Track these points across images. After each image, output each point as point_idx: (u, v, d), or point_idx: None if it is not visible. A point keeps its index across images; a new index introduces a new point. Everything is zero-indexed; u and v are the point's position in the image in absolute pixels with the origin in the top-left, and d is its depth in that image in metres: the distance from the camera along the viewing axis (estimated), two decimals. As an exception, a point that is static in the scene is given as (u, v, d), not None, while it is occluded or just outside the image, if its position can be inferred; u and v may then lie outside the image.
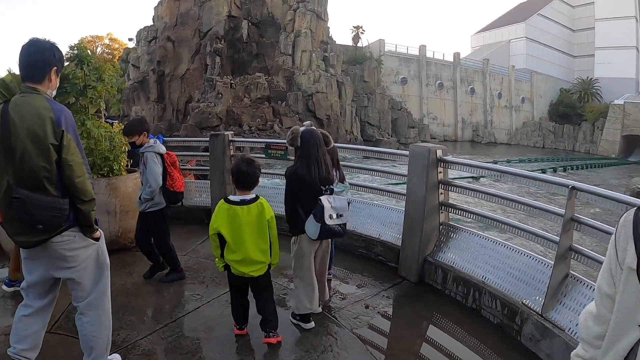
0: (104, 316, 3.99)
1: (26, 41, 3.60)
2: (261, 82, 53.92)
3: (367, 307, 5.92)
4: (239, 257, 4.66)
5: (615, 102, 72.45)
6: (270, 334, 4.83)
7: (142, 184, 6.32)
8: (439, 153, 6.50)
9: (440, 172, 6.58)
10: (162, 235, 6.43)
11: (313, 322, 5.35)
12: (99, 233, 3.87)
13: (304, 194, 5.17)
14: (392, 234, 7.40)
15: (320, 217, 5.00)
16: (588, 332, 1.91)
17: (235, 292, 4.99)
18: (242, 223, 4.61)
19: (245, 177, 4.71)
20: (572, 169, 53.10)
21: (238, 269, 4.72)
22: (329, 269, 6.36)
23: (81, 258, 3.77)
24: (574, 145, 77.50)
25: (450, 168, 6.66)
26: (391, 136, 62.13)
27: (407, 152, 6.83)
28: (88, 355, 3.94)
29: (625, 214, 1.74)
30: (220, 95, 51.25)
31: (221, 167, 8.90)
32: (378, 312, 5.82)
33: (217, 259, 4.87)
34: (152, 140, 6.22)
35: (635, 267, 1.60)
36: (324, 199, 5.05)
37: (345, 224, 5.26)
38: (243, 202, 4.66)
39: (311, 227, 5.08)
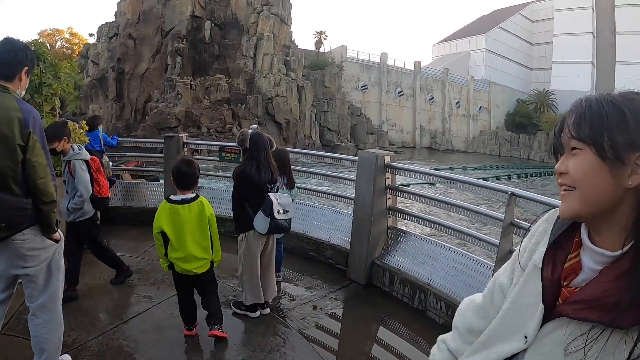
0: (56, 318, 4.01)
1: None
2: (221, 84, 53.44)
3: (315, 308, 6.01)
4: (181, 255, 4.75)
5: (571, 113, 74.07)
6: (215, 327, 4.93)
7: (66, 192, 6.07)
8: (387, 159, 6.67)
9: (388, 178, 6.73)
10: (96, 242, 6.31)
11: (259, 312, 5.61)
12: (59, 235, 3.92)
13: (252, 193, 5.41)
14: (341, 237, 7.53)
15: (269, 212, 5.31)
16: (463, 321, 1.76)
17: (181, 292, 5.07)
18: (183, 221, 4.72)
19: (185, 177, 4.83)
20: (527, 176, 53.94)
21: (181, 267, 4.81)
22: (279, 271, 6.63)
23: (40, 258, 3.81)
24: (529, 154, 79.00)
25: (398, 174, 6.83)
26: (350, 142, 62.19)
27: (356, 158, 6.99)
28: (39, 357, 3.95)
29: (551, 211, 1.63)
30: (179, 95, 50.59)
31: (176, 169, 8.84)
32: (326, 314, 5.92)
33: (161, 259, 4.95)
34: (76, 147, 5.98)
35: (541, 265, 1.45)
36: (272, 195, 5.38)
37: (290, 220, 5.59)
38: (184, 201, 4.77)
39: (260, 222, 5.35)
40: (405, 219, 7.07)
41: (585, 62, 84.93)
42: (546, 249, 1.49)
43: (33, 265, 3.79)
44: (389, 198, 6.84)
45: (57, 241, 3.91)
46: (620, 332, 1.22)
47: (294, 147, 50.48)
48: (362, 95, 73.10)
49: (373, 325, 5.93)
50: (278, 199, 5.46)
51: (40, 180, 3.59)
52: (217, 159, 8.86)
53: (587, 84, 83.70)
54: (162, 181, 9.76)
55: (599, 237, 1.36)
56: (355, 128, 65.32)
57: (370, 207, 6.64)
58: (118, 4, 61.43)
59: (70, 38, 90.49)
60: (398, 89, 77.85)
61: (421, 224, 6.85)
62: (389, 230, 6.98)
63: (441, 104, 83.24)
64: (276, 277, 6.55)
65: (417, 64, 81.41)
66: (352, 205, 7.13)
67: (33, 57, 3.83)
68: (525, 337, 1.43)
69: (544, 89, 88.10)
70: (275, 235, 5.87)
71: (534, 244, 1.57)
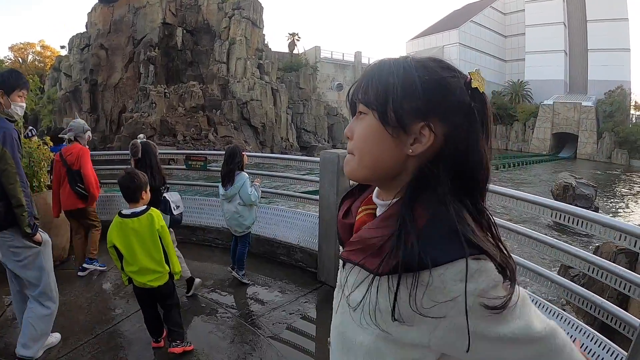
0: (46, 316, 4.62)
1: None
2: (195, 91, 53.19)
3: (286, 313, 6.00)
4: (135, 268, 4.74)
5: (545, 102, 75.14)
6: (173, 344, 4.92)
7: None
8: (349, 158, 6.60)
9: (352, 177, 6.67)
10: None
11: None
12: (40, 237, 4.46)
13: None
14: (310, 239, 7.54)
15: (169, 210, 6.07)
16: None
17: (142, 305, 5.05)
18: (133, 234, 4.72)
19: (127, 189, 4.82)
20: (505, 167, 54.41)
21: (137, 280, 4.80)
22: (241, 270, 6.98)
23: (22, 255, 4.40)
24: (507, 144, 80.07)
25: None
26: (327, 142, 62.29)
27: (318, 159, 6.96)
28: (20, 338, 4.53)
29: None
30: (154, 104, 50.23)
31: (142, 180, 8.74)
32: (297, 318, 5.92)
33: (122, 274, 4.93)
34: None
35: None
36: (167, 195, 6.18)
37: (182, 213, 6.44)
38: (134, 215, 4.75)
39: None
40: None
41: (558, 52, 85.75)
42: (342, 198, 1.55)
43: (17, 260, 4.40)
44: (355, 197, 6.78)
45: (38, 243, 4.44)
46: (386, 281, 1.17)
47: (272, 151, 50.57)
48: (337, 94, 73.19)
49: (344, 326, 5.88)
50: (171, 197, 6.26)
51: (10, 186, 4.14)
52: (184, 167, 8.84)
53: (560, 72, 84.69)
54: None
55: (385, 194, 1.34)
56: (332, 128, 65.47)
57: (335, 207, 6.54)
58: (88, 14, 60.85)
59: (42, 51, 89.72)
60: (373, 87, 78.05)
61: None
62: (357, 230, 6.94)
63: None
64: (240, 275, 6.96)
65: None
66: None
67: (13, 79, 4.34)
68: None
69: (519, 80, 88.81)
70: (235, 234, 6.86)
71: None
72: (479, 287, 1.09)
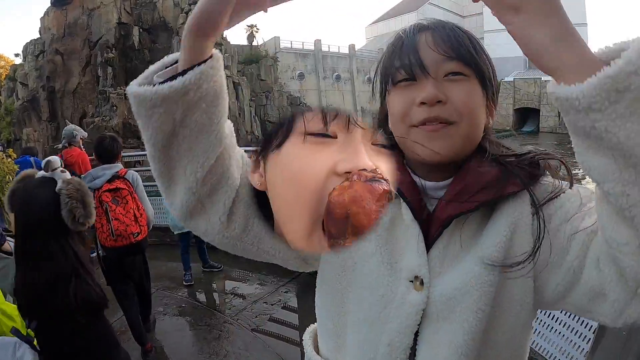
0: None
1: None
2: (156, 90, 52.61)
3: (267, 304, 6.00)
4: None
5: (506, 79, 75.87)
6: None
7: None
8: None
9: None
10: None
11: None
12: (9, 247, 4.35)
13: None
14: (284, 228, 7.49)
15: None
16: None
17: None
18: None
19: None
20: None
21: None
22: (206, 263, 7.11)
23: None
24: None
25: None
26: (292, 132, 62.17)
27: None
28: None
29: None
30: (115, 107, 49.35)
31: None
32: (278, 308, 5.92)
33: None
34: None
35: None
36: None
37: None
38: None
39: None
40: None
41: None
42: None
43: None
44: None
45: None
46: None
47: (237, 145, 50.32)
48: (299, 84, 73.09)
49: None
50: None
51: None
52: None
53: (519, 49, 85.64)
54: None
55: (435, 176, 1.16)
56: (296, 118, 65.37)
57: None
58: (41, 19, 59.59)
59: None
60: (335, 74, 78.09)
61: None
62: (331, 215, 6.99)
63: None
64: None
65: (352, 47, 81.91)
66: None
67: None
68: (416, 278, 1.09)
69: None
70: None
71: None
72: None
